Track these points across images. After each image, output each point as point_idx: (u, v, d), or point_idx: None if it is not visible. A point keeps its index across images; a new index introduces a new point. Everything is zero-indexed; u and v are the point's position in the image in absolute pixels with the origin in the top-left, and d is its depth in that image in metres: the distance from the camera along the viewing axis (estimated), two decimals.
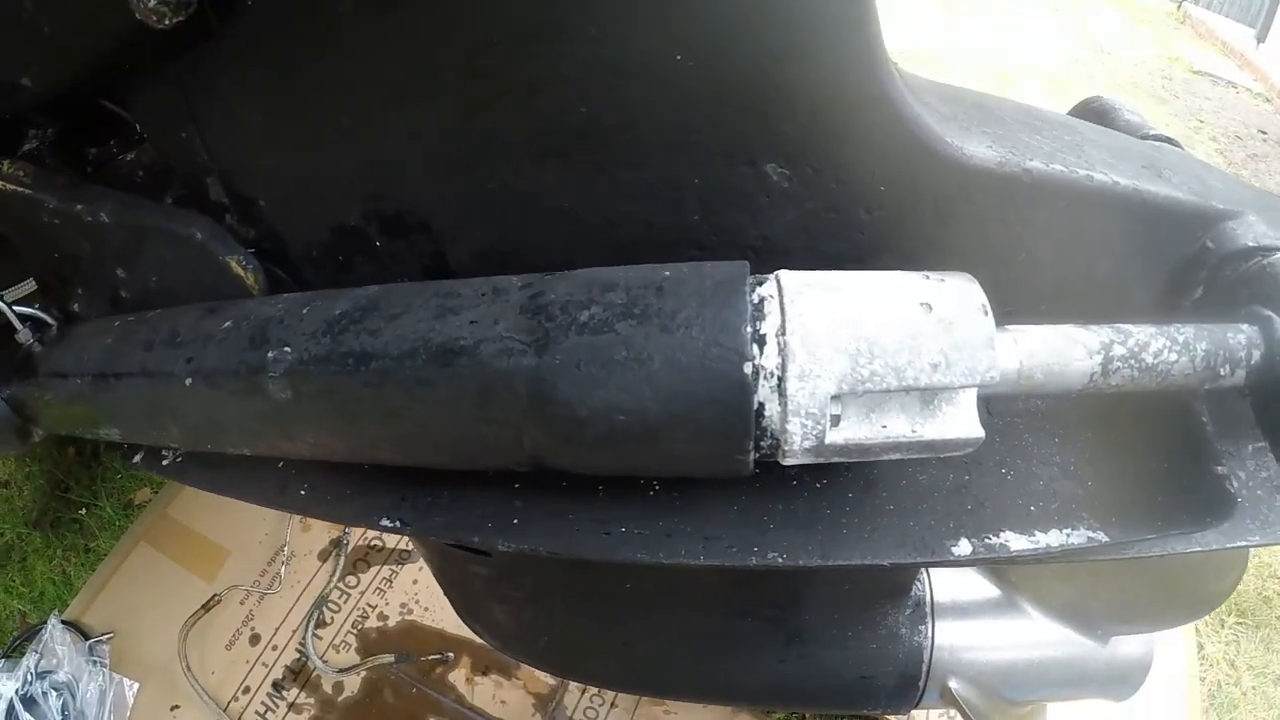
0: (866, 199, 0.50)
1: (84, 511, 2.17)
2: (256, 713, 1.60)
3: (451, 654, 1.58)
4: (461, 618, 1.02)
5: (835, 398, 0.42)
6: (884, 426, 0.42)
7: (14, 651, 1.96)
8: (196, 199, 0.63)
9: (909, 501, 0.52)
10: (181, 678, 1.65)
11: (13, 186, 0.64)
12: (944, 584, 0.87)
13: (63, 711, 1.60)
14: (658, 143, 0.49)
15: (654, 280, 0.46)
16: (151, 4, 0.49)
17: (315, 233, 0.61)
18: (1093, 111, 0.86)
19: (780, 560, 0.49)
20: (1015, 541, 0.52)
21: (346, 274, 0.62)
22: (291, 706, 1.59)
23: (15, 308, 0.73)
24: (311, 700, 1.59)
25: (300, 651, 1.63)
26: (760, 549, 0.50)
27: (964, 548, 0.52)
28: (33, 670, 1.67)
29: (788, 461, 0.44)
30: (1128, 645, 0.93)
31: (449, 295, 0.51)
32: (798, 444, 0.43)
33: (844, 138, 0.48)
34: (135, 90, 0.60)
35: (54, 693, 1.63)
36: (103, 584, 1.88)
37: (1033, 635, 0.91)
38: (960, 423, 0.43)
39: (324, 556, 1.78)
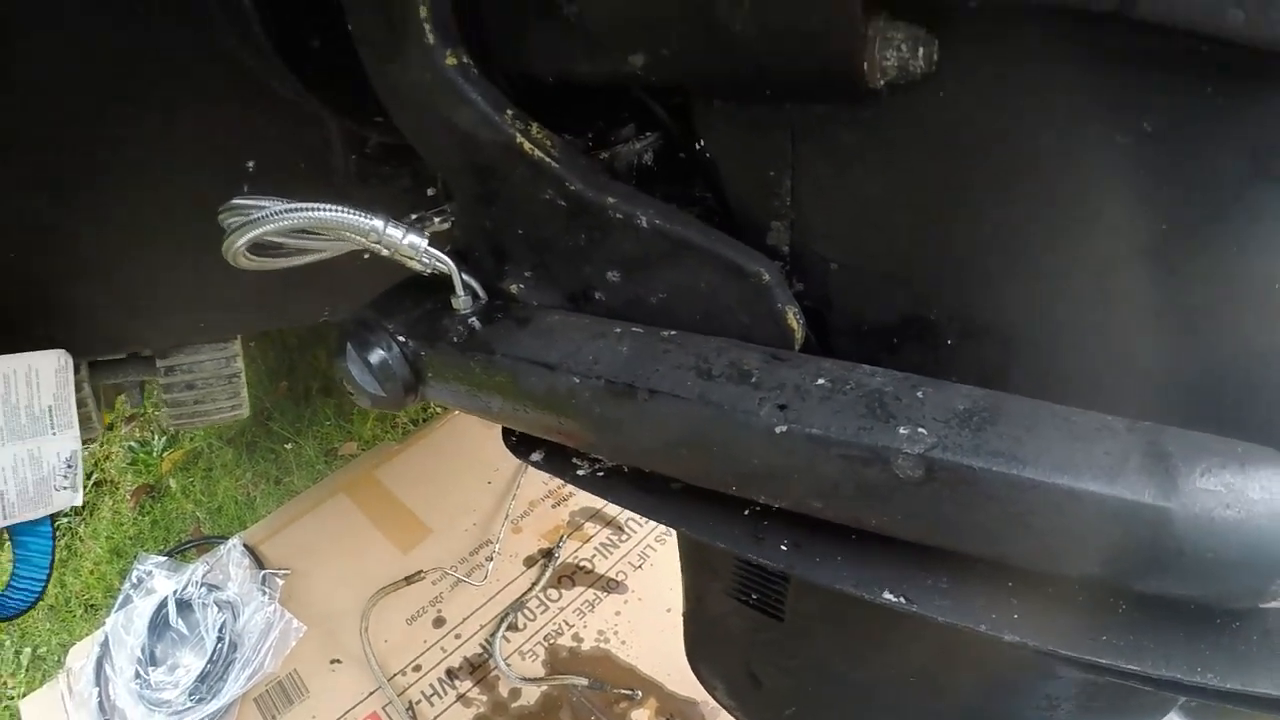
0: None
1: (289, 447, 2.23)
2: (422, 693, 1.57)
3: (640, 693, 1.53)
4: (692, 662, 0.98)
5: None
6: None
7: (180, 554, 2.02)
8: (748, 236, 0.61)
9: None
10: (346, 633, 1.63)
11: (538, 154, 0.62)
12: None
13: (219, 629, 1.60)
14: None
15: (1232, 450, 0.47)
16: (888, 63, 0.46)
17: (881, 312, 0.58)
18: None
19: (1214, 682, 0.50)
20: None
21: (889, 355, 0.58)
22: (461, 698, 1.56)
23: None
24: (484, 698, 1.55)
25: (484, 648, 1.60)
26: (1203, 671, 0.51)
27: None
28: (198, 579, 1.69)
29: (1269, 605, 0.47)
30: None
31: (1068, 421, 0.50)
32: None
33: None
34: (727, 115, 0.58)
35: (215, 607, 1.64)
36: (290, 520, 1.89)
37: None
38: None
39: (530, 563, 1.73)
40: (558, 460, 0.75)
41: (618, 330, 0.63)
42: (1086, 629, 0.55)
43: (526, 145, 0.60)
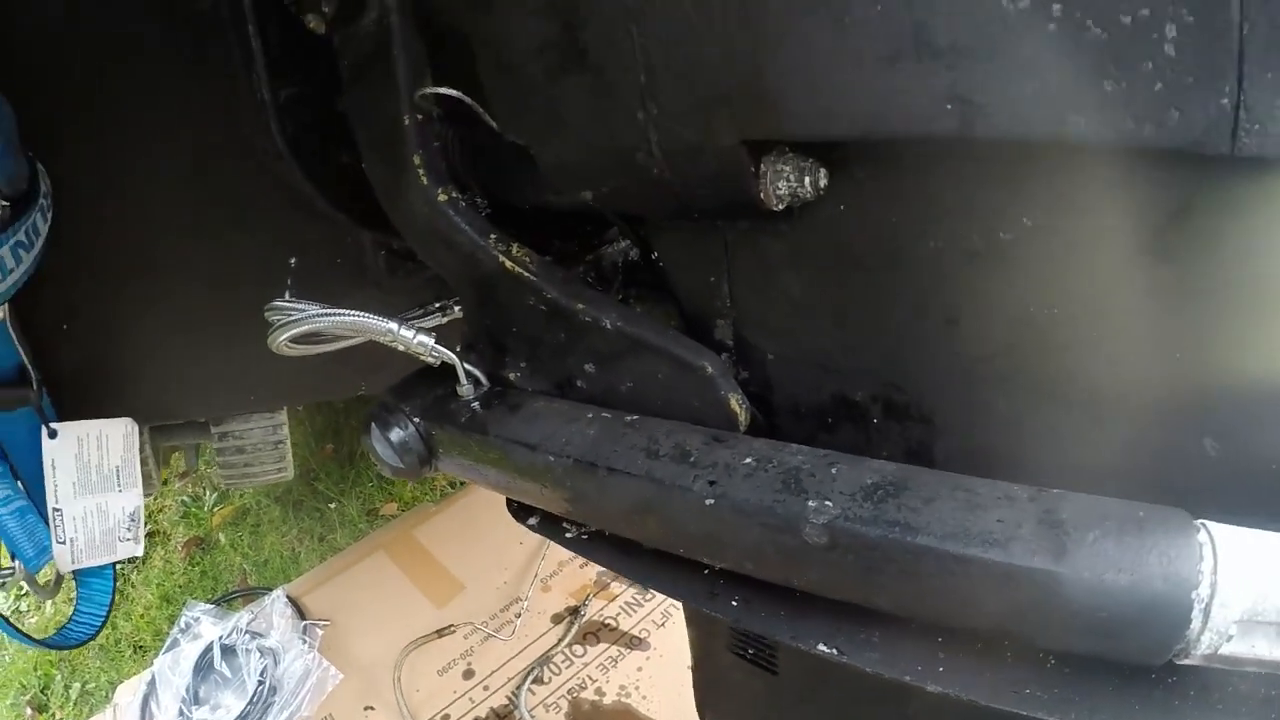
0: None
1: (333, 506, 2.35)
2: None
3: None
4: (701, 714, 1.05)
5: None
6: (1253, 646, 0.46)
7: (227, 602, 2.14)
8: (699, 331, 0.71)
9: (1230, 703, 0.54)
10: (381, 681, 1.72)
11: (519, 269, 0.73)
12: None
13: (261, 673, 1.69)
14: None
15: (1133, 514, 0.50)
16: (781, 192, 0.57)
17: (813, 395, 0.65)
18: None
19: None
20: None
21: (826, 434, 0.66)
22: None
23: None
24: None
25: (511, 700, 1.68)
26: None
27: None
28: (242, 627, 1.78)
29: (1183, 662, 0.49)
30: None
31: (970, 491, 0.54)
32: (1200, 652, 0.46)
33: None
34: (672, 230, 0.70)
35: (257, 653, 1.73)
36: (332, 574, 2.00)
37: None
38: None
39: (557, 620, 1.81)
40: (550, 524, 0.84)
41: (589, 415, 0.73)
42: (1010, 682, 0.57)
43: (508, 263, 0.71)
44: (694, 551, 0.66)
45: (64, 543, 1.15)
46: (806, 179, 0.56)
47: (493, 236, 0.72)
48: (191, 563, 2.41)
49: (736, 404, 0.67)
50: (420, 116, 0.70)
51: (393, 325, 0.78)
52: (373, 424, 0.86)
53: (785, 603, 0.65)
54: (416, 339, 0.78)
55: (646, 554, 0.74)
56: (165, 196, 1.04)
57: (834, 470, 0.58)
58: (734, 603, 0.67)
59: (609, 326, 0.70)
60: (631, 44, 0.56)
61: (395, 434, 0.85)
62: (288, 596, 1.90)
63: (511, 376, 0.83)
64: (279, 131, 0.96)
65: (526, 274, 0.72)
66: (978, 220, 0.51)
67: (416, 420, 0.84)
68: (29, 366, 1.02)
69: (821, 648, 0.62)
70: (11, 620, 1.23)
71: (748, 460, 0.61)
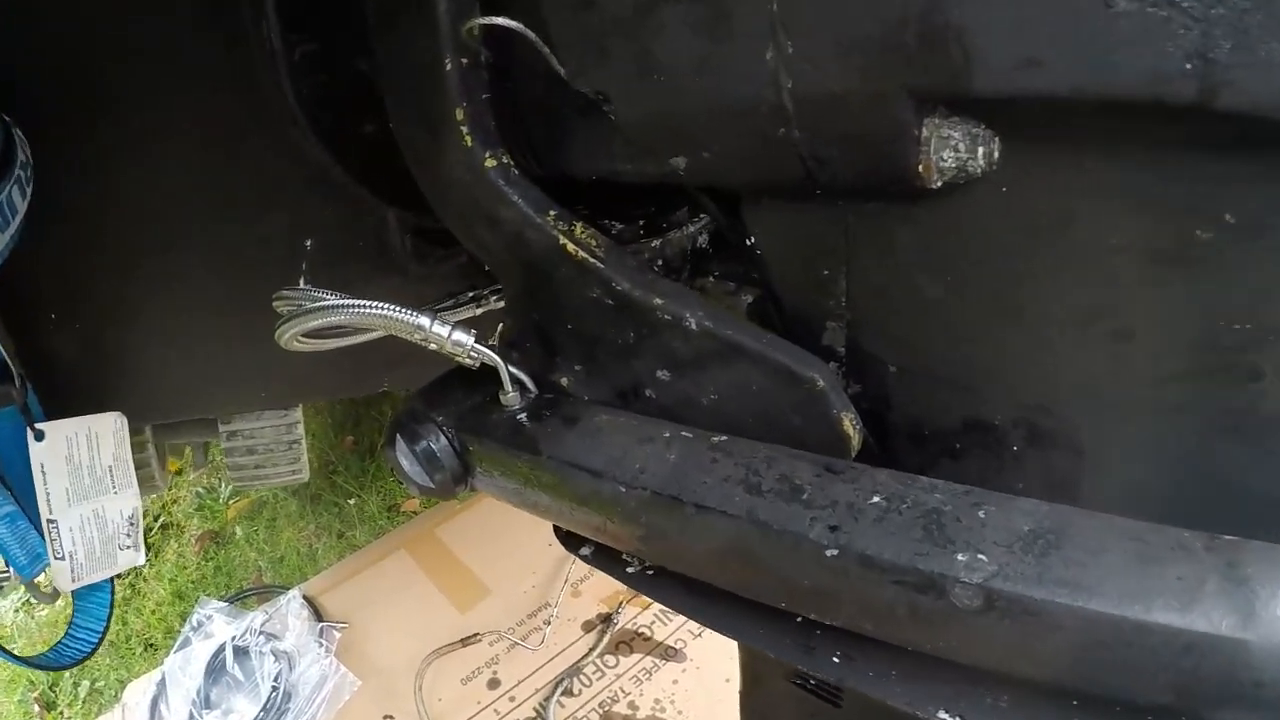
0: None
1: (352, 501, 2.25)
2: None
3: None
4: None
5: None
6: None
7: (241, 600, 2.04)
8: (801, 335, 0.59)
9: None
10: (401, 689, 1.63)
11: (582, 254, 0.61)
12: None
13: (275, 678, 1.61)
14: None
15: None
16: (946, 163, 0.44)
17: (941, 416, 0.55)
18: None
19: None
20: None
21: (951, 461, 0.56)
22: None
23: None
24: None
25: (538, 712, 1.57)
26: None
27: None
28: (256, 627, 1.70)
29: None
30: None
31: (1140, 541, 0.46)
32: None
33: None
34: (778, 210, 0.57)
35: (271, 656, 1.65)
36: (351, 573, 1.90)
37: None
38: None
39: (588, 628, 1.70)
40: (607, 557, 0.73)
41: (666, 435, 0.61)
42: None
43: (570, 246, 0.59)
44: (800, 606, 0.55)
45: (62, 558, 1.05)
46: (980, 149, 0.45)
47: (552, 213, 0.59)
48: (205, 557, 2.32)
49: (850, 424, 0.56)
50: (465, 61, 0.57)
51: (424, 320, 0.65)
52: (398, 435, 0.74)
53: (897, 661, 0.56)
54: (453, 336, 0.65)
55: (723, 596, 0.63)
56: (167, 169, 0.91)
57: (982, 514, 0.49)
58: (835, 659, 0.58)
59: (694, 326, 0.58)
60: None
61: (424, 447, 0.73)
62: (304, 596, 1.80)
63: (564, 382, 0.70)
64: (293, 93, 0.83)
65: (592, 259, 0.60)
66: (1172, 215, 0.43)
67: (450, 432, 0.72)
68: (10, 362, 0.91)
69: (943, 715, 0.54)
70: (21, 617, 1.14)
71: (875, 499, 0.51)
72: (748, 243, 0.60)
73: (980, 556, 0.46)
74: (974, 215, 0.49)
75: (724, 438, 0.59)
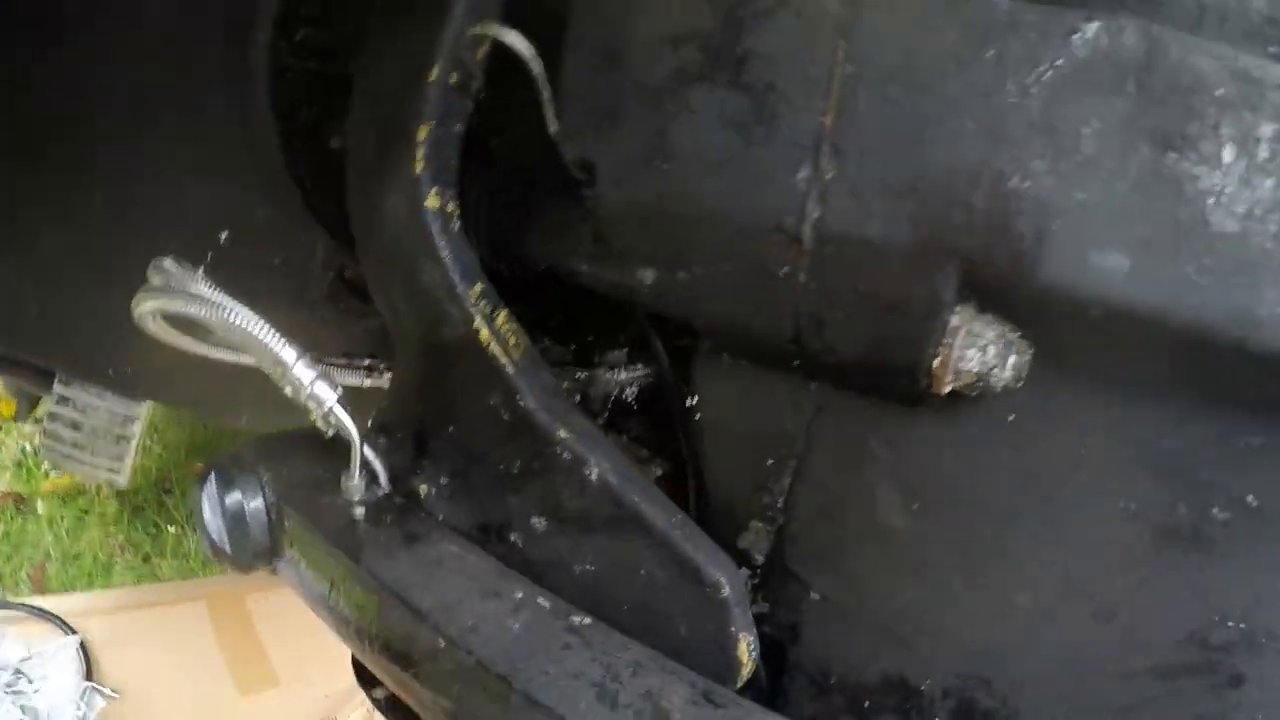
0: None
1: (173, 529, 2.05)
2: None
3: None
4: None
5: None
6: None
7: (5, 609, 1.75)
8: (718, 528, 0.49)
9: None
10: None
11: (495, 350, 0.50)
12: None
13: None
14: None
15: None
16: (968, 365, 0.37)
17: (858, 665, 0.48)
18: None
19: None
20: None
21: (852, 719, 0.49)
22: None
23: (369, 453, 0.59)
24: None
25: None
26: None
27: None
28: (13, 662, 1.47)
29: None
30: None
31: None
32: None
33: None
34: (737, 371, 0.48)
35: (19, 710, 1.42)
36: (138, 604, 1.71)
37: None
38: None
39: None
40: (403, 714, 0.60)
41: (518, 595, 0.50)
42: None
43: (485, 334, 0.49)
44: None
45: None
46: (1011, 359, 0.39)
47: (479, 287, 0.49)
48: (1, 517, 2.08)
49: (746, 649, 0.47)
50: (455, 77, 0.48)
51: (290, 353, 0.53)
52: (212, 476, 0.61)
53: None
54: (314, 387, 0.54)
55: None
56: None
57: None
58: None
59: (594, 478, 0.49)
60: (829, 67, 0.38)
61: (234, 502, 0.61)
62: (81, 644, 1.55)
63: (422, 490, 0.59)
64: (268, 86, 0.74)
65: (504, 359, 0.50)
66: (1197, 486, 0.40)
67: (271, 497, 0.61)
68: None
69: None
70: None
71: None
72: (688, 403, 0.52)
73: None
74: (970, 440, 0.43)
75: (588, 620, 0.49)
